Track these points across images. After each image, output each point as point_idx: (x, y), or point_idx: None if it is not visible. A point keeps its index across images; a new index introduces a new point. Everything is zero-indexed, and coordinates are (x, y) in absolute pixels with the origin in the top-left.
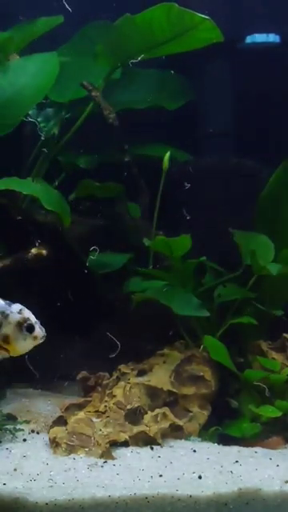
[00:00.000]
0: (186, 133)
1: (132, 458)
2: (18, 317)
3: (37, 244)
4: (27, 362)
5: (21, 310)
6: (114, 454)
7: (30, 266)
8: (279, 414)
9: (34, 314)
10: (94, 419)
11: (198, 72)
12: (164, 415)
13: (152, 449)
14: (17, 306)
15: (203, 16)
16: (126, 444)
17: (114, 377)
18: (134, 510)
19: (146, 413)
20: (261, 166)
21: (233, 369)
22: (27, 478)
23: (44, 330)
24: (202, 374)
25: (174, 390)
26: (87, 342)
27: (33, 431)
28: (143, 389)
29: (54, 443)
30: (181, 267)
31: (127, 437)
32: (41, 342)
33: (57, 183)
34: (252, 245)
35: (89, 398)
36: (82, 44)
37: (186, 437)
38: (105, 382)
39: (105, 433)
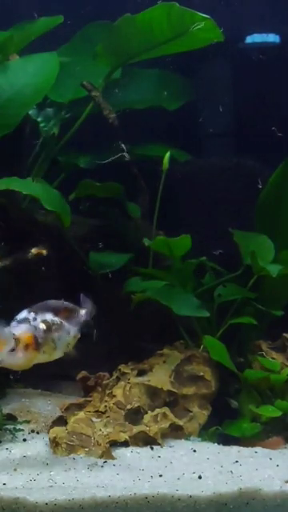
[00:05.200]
0: (185, 133)
1: (132, 458)
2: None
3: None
4: None
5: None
6: (114, 453)
7: (29, 266)
8: (279, 413)
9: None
10: (94, 419)
11: (197, 72)
12: (164, 415)
13: (152, 449)
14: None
15: (204, 15)
16: (126, 444)
17: (114, 377)
18: (134, 509)
19: (146, 413)
20: (261, 166)
21: (233, 369)
22: (27, 478)
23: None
24: (201, 374)
25: (174, 390)
26: (87, 342)
27: (33, 431)
28: (143, 389)
29: (54, 443)
30: (181, 267)
31: (127, 437)
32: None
33: (57, 183)
34: (252, 245)
35: (89, 398)
36: (82, 44)
37: (186, 437)
38: (105, 382)
39: (105, 433)
